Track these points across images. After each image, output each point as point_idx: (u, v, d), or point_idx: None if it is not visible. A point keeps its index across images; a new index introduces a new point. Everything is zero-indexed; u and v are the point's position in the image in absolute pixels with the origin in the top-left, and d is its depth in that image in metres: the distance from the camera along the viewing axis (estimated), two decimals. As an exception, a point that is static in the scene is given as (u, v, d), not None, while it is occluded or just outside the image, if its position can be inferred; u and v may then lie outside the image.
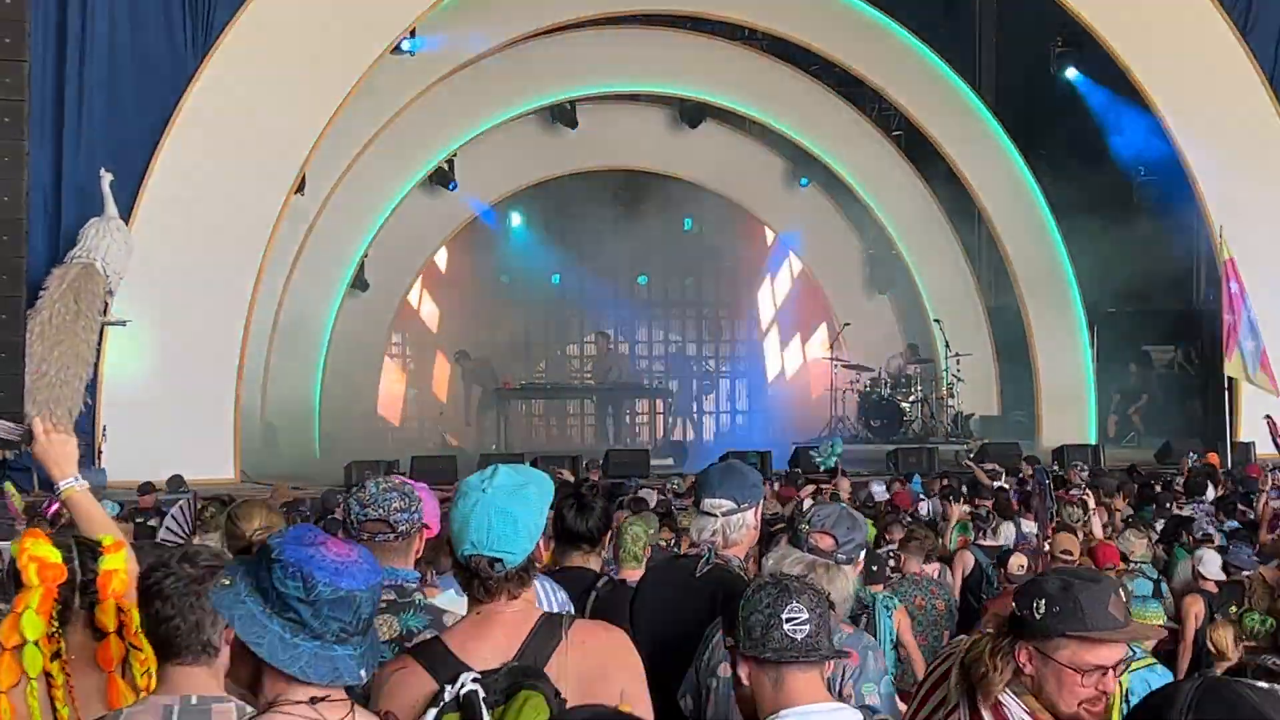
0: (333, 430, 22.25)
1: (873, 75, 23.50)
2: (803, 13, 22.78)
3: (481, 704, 2.60)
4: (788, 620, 2.86)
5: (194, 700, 2.86)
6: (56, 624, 3.04)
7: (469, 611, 3.10)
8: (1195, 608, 8.36)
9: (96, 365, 15.73)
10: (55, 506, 10.82)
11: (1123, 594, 3.35)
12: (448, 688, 2.72)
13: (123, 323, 15.88)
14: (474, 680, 2.67)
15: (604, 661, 3.04)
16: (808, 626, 2.87)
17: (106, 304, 15.66)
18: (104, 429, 16.00)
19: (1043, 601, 3.03)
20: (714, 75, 24.07)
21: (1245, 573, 8.66)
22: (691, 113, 25.02)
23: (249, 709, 2.90)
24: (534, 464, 12.77)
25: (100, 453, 15.92)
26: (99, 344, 15.68)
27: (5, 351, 14.26)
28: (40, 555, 3.08)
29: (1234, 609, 8.29)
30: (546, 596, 4.18)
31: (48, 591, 3.05)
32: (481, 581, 3.00)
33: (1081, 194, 22.60)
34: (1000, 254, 24.11)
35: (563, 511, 5.04)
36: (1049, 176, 23.31)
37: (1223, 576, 8.65)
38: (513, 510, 2.99)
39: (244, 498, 4.82)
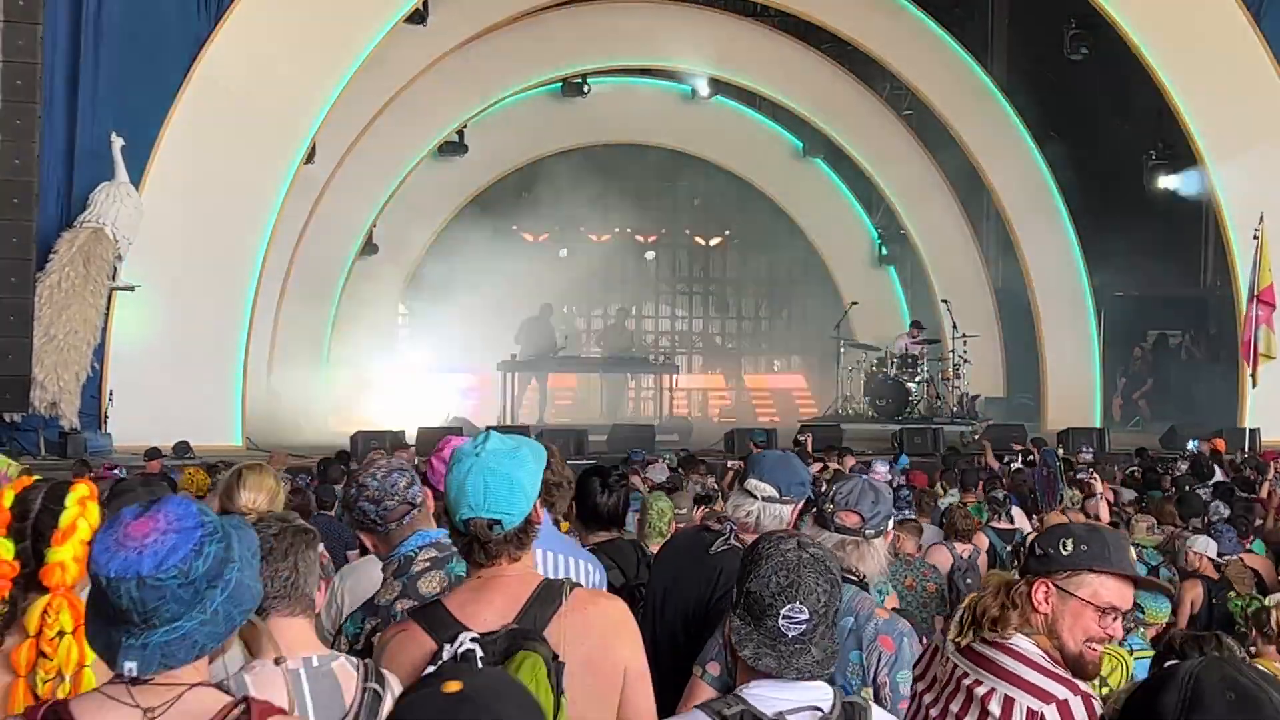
0: (339, 398, 22.28)
1: (884, 54, 23.42)
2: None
3: (479, 663, 2.62)
4: (785, 616, 2.83)
5: (315, 662, 2.92)
6: None
7: (469, 576, 3.12)
8: (1193, 593, 8.32)
9: (104, 330, 15.71)
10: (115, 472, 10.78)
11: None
12: (446, 647, 2.77)
13: (131, 288, 15.88)
14: (472, 640, 2.70)
15: (604, 631, 3.06)
16: (803, 626, 2.83)
17: (115, 269, 15.64)
18: (110, 393, 16.02)
19: (1069, 540, 3.17)
20: (726, 51, 23.99)
21: (1225, 557, 8.64)
22: (702, 88, 25.00)
23: (355, 660, 2.98)
24: (538, 437, 12.76)
25: (106, 417, 15.97)
26: (107, 309, 15.69)
27: (14, 314, 14.29)
28: None
29: (1232, 594, 8.27)
30: (585, 576, 4.21)
31: None
32: (481, 545, 3.02)
33: (1092, 177, 22.56)
34: (1008, 235, 24.08)
35: (588, 492, 5.16)
36: (1059, 159, 23.29)
37: (1217, 559, 8.63)
38: (508, 471, 3.01)
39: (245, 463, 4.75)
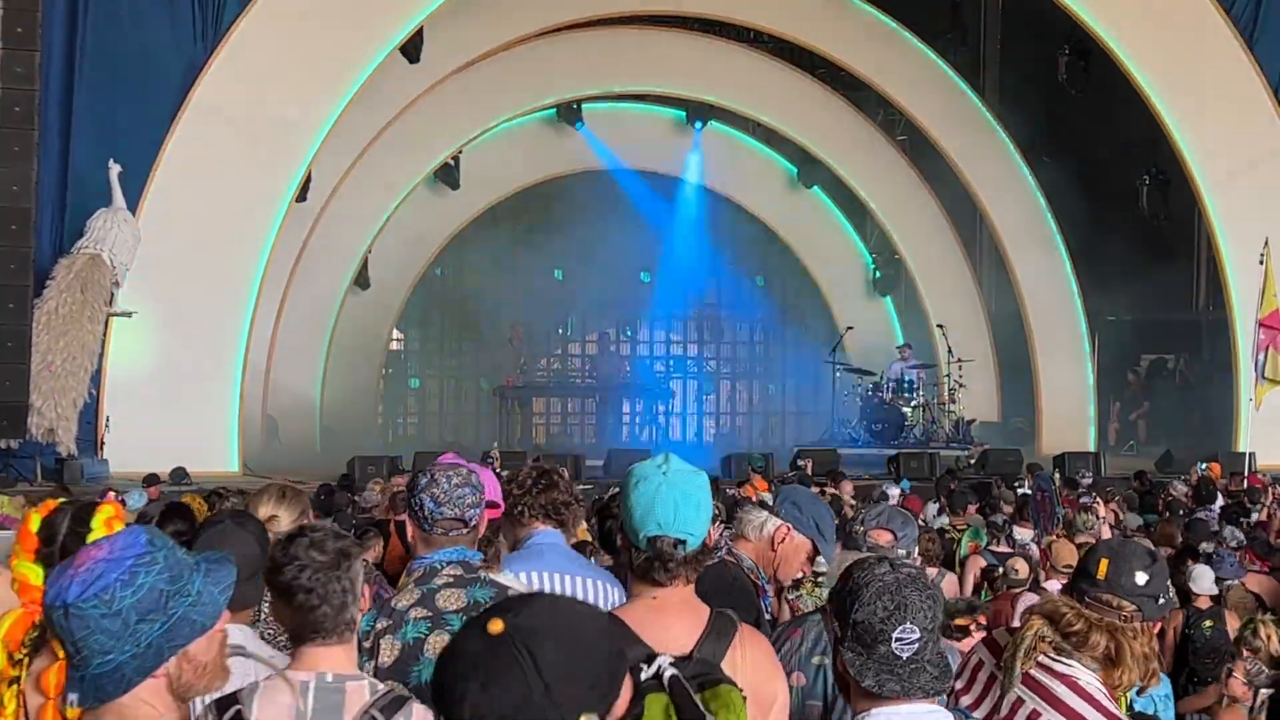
0: (334, 425, 22.28)
1: (878, 79, 23.52)
2: (809, 17, 22.81)
3: (690, 689, 2.62)
4: (897, 639, 2.83)
5: (329, 678, 2.89)
6: (27, 650, 2.73)
7: (639, 596, 3.13)
8: (1174, 621, 8.30)
9: (101, 356, 15.70)
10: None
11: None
12: (643, 666, 2.70)
13: (128, 314, 15.88)
14: (672, 664, 2.69)
15: (766, 666, 3.15)
16: (915, 645, 2.83)
17: (112, 295, 15.64)
18: (107, 420, 16.00)
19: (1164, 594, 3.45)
20: (720, 77, 24.09)
21: (1228, 582, 8.63)
22: (697, 114, 25.06)
23: (381, 686, 2.95)
24: (537, 459, 12.73)
25: (103, 444, 15.94)
26: (104, 335, 15.68)
27: (12, 341, 14.27)
28: (22, 574, 2.81)
29: (1208, 623, 8.23)
30: (603, 595, 4.20)
31: (25, 615, 2.74)
32: (663, 564, 3.06)
33: (1085, 201, 22.63)
34: (1003, 260, 24.14)
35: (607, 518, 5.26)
36: (1053, 183, 23.36)
37: (1215, 591, 8.61)
38: (694, 494, 3.08)
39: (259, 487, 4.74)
